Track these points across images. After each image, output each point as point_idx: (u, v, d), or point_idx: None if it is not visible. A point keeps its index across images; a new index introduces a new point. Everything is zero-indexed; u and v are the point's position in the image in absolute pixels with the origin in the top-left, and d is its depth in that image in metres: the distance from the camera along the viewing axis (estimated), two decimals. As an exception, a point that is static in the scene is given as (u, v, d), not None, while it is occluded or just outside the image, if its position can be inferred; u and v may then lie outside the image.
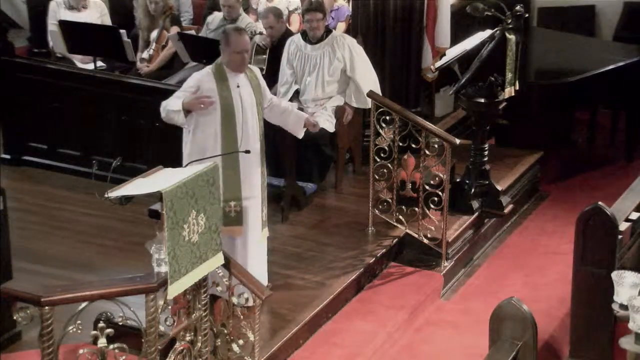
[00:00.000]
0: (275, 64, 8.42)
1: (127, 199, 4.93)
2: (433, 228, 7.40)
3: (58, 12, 9.29)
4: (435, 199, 7.34)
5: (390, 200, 7.54)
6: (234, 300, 5.27)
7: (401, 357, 6.66)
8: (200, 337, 5.12)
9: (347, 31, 9.10)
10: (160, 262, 4.71)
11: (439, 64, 8.16)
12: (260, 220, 6.43)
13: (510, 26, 7.63)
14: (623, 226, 6.15)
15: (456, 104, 9.46)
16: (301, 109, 7.92)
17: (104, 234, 7.48)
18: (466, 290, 7.58)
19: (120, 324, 4.77)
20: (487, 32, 7.74)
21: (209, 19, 9.19)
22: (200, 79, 6.26)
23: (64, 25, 8.89)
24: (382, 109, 7.48)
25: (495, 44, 7.65)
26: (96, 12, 9.42)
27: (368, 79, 8.05)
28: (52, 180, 8.43)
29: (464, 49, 7.83)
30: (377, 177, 7.51)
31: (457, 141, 7.36)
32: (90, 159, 8.36)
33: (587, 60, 9.61)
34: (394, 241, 7.54)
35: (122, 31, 8.75)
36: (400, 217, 7.53)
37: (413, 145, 7.44)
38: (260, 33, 8.81)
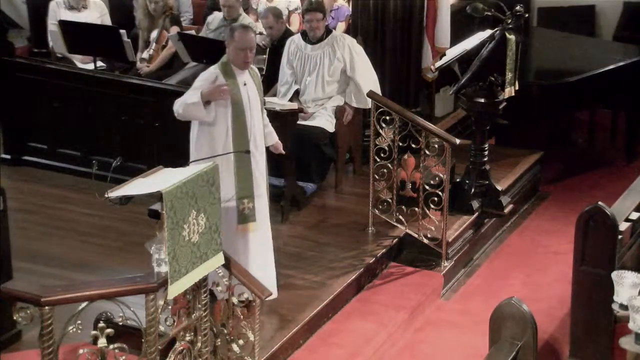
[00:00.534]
0: (275, 64, 8.42)
1: (127, 199, 4.93)
2: (433, 228, 7.40)
3: (58, 12, 9.29)
4: (435, 199, 7.34)
5: (390, 200, 7.54)
6: (234, 300, 5.27)
7: (401, 357, 6.66)
8: (200, 337, 5.12)
9: (347, 31, 9.10)
10: (160, 262, 4.71)
11: (439, 64, 8.16)
12: (268, 218, 6.47)
13: (510, 26, 7.63)
14: (623, 226, 6.14)
15: (456, 104, 9.46)
16: (302, 110, 7.94)
17: (104, 234, 7.48)
18: (466, 290, 7.58)
19: (120, 324, 4.77)
20: (487, 32, 7.74)
21: (209, 19, 9.19)
22: (208, 79, 6.23)
23: (64, 25, 8.88)
24: (382, 109, 7.48)
25: (495, 44, 7.65)
26: (96, 12, 9.42)
27: (368, 79, 8.06)
28: (52, 180, 8.43)
29: (464, 49, 7.83)
30: (377, 177, 7.51)
31: (457, 141, 7.36)
32: (90, 159, 8.34)
33: (587, 60, 9.61)
34: (394, 241, 7.54)
35: (122, 31, 8.74)
36: (400, 217, 7.53)
37: (413, 145, 7.44)
38: (260, 33, 8.81)
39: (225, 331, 5.36)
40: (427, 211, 7.41)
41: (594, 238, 6.03)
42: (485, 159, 7.97)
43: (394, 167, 7.49)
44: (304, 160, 7.91)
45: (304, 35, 8.23)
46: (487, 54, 7.67)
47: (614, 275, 5.51)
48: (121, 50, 8.75)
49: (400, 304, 6.99)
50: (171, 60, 9.25)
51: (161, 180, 4.87)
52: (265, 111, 6.52)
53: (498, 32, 7.66)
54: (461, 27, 9.15)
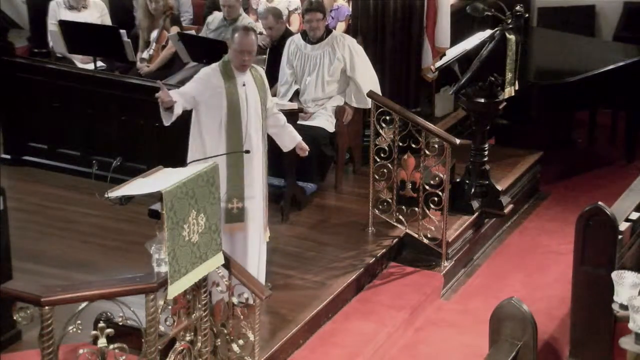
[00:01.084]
0: (275, 64, 8.42)
1: (127, 199, 4.93)
2: (433, 228, 7.40)
3: (58, 12, 9.29)
4: (435, 199, 7.34)
5: (390, 200, 7.54)
6: (234, 300, 5.27)
7: (401, 357, 6.66)
8: (200, 337, 5.12)
9: (347, 31, 9.10)
10: (160, 262, 4.71)
11: (439, 64, 8.16)
12: (261, 220, 6.45)
13: (510, 26, 7.63)
14: (623, 226, 6.14)
15: (456, 104, 9.46)
16: (302, 110, 7.94)
17: (104, 234, 7.48)
18: (466, 290, 7.58)
19: (120, 324, 4.77)
20: (487, 32, 7.74)
21: (209, 19, 9.19)
22: (209, 74, 6.26)
23: (64, 25, 8.88)
24: (382, 109, 7.48)
25: (495, 44, 7.65)
26: (96, 12, 9.42)
27: (368, 78, 8.06)
28: (52, 180, 8.43)
29: (464, 49, 7.83)
30: (377, 177, 7.51)
31: (457, 141, 7.36)
32: (90, 159, 8.36)
33: (587, 60, 9.61)
34: (394, 241, 7.54)
35: (122, 31, 8.74)
36: (400, 217, 7.53)
37: (413, 145, 7.44)
38: (260, 33, 8.81)
39: (225, 331, 5.36)
40: (427, 211, 7.41)
41: (594, 238, 6.02)
42: (485, 159, 7.97)
43: (394, 167, 7.50)
44: (304, 160, 7.90)
45: (304, 35, 8.23)
46: (487, 54, 7.67)
47: (614, 275, 5.51)
48: (121, 50, 8.75)
49: (400, 304, 6.98)
50: (171, 60, 9.24)
51: (161, 180, 4.87)
52: (281, 112, 6.53)
53: (498, 32, 7.66)
54: (461, 27, 9.15)
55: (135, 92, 8.17)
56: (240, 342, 5.38)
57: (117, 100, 8.24)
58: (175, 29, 9.15)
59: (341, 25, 9.64)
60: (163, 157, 7.36)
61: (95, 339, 4.70)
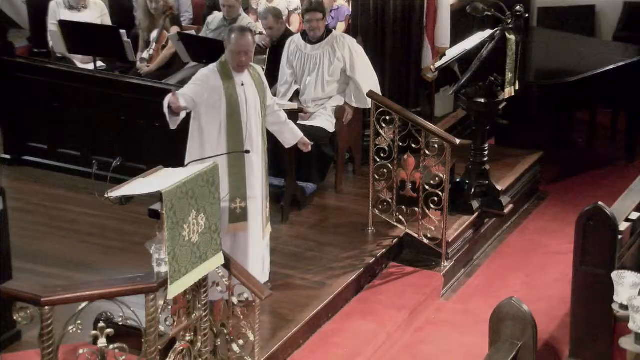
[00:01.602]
0: (275, 64, 8.42)
1: (127, 199, 4.93)
2: (433, 228, 7.40)
3: (58, 12, 9.29)
4: (435, 199, 7.34)
5: (390, 200, 7.54)
6: (234, 300, 5.27)
7: (401, 357, 6.66)
8: (200, 337, 5.12)
9: (347, 31, 9.10)
10: (160, 262, 4.71)
11: (439, 64, 8.16)
12: (261, 219, 6.46)
13: (510, 26, 7.63)
14: (623, 226, 6.14)
15: (456, 104, 9.46)
16: (302, 110, 7.94)
17: (104, 234, 7.49)
18: (466, 290, 7.58)
19: (120, 324, 4.78)
20: (487, 32, 7.74)
21: (209, 19, 9.19)
22: (207, 75, 6.27)
23: (64, 25, 8.89)
24: (382, 109, 7.48)
25: (495, 44, 7.65)
26: (96, 12, 9.42)
27: (368, 78, 8.06)
28: (52, 180, 8.43)
29: (464, 49, 7.83)
30: (377, 177, 7.51)
31: (457, 141, 7.36)
32: (90, 159, 8.34)
33: (587, 60, 9.61)
34: (394, 241, 7.54)
35: (122, 31, 8.75)
36: (400, 217, 7.53)
37: (413, 145, 7.44)
38: (260, 33, 8.81)
39: (225, 331, 5.37)
40: (427, 211, 7.41)
41: (594, 238, 6.02)
42: (485, 159, 7.97)
43: (394, 167, 7.50)
44: (304, 160, 7.91)
45: (304, 35, 8.23)
46: (487, 54, 7.67)
47: (614, 275, 5.52)
48: (121, 50, 8.75)
49: (400, 304, 6.99)
50: (171, 60, 9.25)
51: (161, 180, 4.87)
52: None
53: (498, 32, 7.66)
54: (461, 27, 9.16)
55: (135, 92, 8.17)
56: (240, 342, 5.38)
57: (117, 100, 8.24)
58: (175, 29, 9.16)
59: (341, 25, 9.64)
60: (163, 157, 7.35)
61: (95, 339, 4.71)
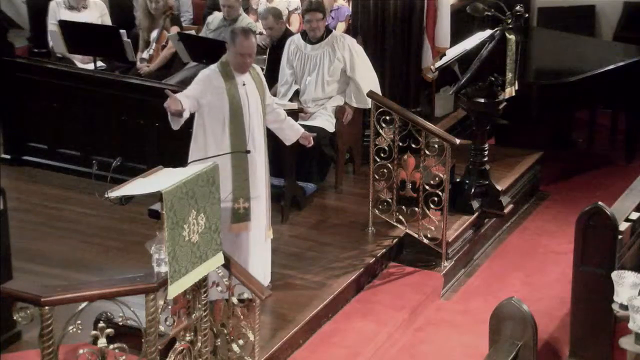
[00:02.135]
0: (275, 64, 8.42)
1: (127, 199, 4.93)
2: (433, 228, 7.40)
3: (58, 12, 9.29)
4: (435, 199, 7.34)
5: (390, 200, 7.54)
6: (234, 300, 5.27)
7: (401, 357, 6.66)
8: (200, 337, 5.12)
9: (347, 31, 9.10)
10: (160, 262, 4.71)
11: (439, 64, 8.16)
12: (265, 219, 6.47)
13: (510, 26, 7.63)
14: (623, 226, 6.15)
15: (456, 104, 9.46)
16: (302, 110, 7.94)
17: (104, 234, 7.48)
18: (466, 290, 7.58)
19: (120, 324, 4.77)
20: (487, 32, 7.75)
21: (209, 19, 9.19)
22: (209, 75, 6.27)
23: (64, 25, 8.88)
24: (382, 109, 7.48)
25: (495, 44, 7.65)
26: (96, 12, 9.42)
27: (368, 78, 8.06)
28: (52, 180, 8.43)
29: (464, 49, 7.83)
30: (377, 177, 7.52)
31: (457, 141, 7.36)
32: (90, 159, 8.33)
33: (587, 60, 9.61)
34: (394, 241, 7.54)
35: (122, 31, 8.74)
36: (400, 217, 7.54)
37: (413, 145, 7.44)
38: (260, 33, 8.81)
39: (225, 331, 5.36)
40: (427, 211, 7.41)
41: (594, 238, 6.03)
42: (485, 159, 7.97)
43: (394, 167, 7.49)
44: (304, 160, 7.91)
45: (304, 35, 8.23)
46: (487, 54, 7.67)
47: (614, 275, 5.52)
48: (121, 50, 8.75)
49: (400, 304, 6.99)
50: (171, 60, 9.24)
51: (161, 180, 4.87)
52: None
53: (498, 32, 7.66)
54: (461, 27, 9.15)
55: (135, 92, 8.18)
56: (240, 342, 5.38)
57: (117, 100, 8.24)
58: (175, 29, 9.15)
59: (341, 25, 9.64)
60: (163, 157, 7.37)
61: (95, 339, 4.71)
